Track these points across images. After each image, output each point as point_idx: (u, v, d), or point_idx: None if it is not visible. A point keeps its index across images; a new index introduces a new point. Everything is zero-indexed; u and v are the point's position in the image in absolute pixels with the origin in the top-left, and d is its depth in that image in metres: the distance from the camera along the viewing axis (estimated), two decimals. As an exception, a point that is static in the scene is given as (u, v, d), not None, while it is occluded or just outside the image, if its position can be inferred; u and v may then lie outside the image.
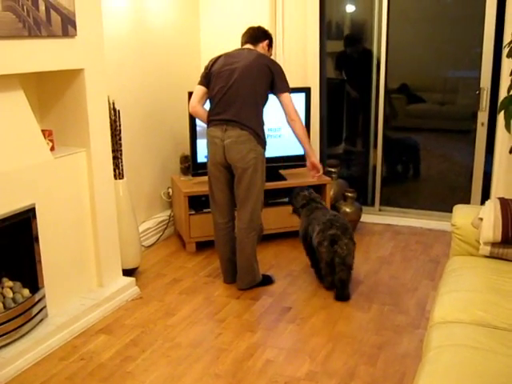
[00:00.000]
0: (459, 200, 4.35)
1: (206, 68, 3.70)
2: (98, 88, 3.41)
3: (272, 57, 3.80)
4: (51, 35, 3.01)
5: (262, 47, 3.75)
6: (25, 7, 2.83)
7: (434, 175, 5.40)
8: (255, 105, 3.57)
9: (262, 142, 3.60)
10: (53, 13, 3.00)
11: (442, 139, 5.39)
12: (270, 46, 3.82)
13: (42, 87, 3.41)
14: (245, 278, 3.80)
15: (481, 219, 3.00)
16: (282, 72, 3.64)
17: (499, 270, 2.83)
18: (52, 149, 3.28)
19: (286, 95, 3.61)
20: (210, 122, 3.65)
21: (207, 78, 3.67)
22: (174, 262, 4.33)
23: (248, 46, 3.74)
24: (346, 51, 5.42)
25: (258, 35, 3.76)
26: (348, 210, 4.86)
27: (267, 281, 3.91)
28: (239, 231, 3.72)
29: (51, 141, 3.29)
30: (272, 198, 4.52)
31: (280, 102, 3.62)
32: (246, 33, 3.80)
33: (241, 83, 3.53)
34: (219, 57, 3.69)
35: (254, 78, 3.55)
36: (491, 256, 2.96)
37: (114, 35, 4.11)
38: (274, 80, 3.58)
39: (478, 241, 3.00)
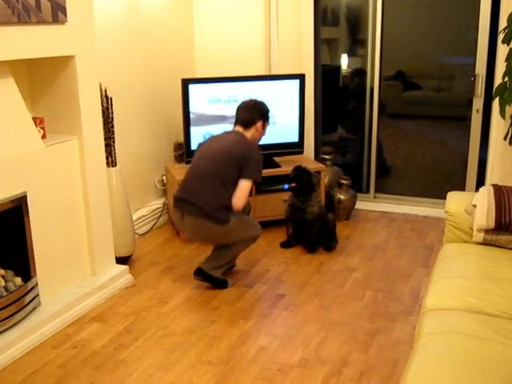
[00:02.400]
0: (454, 187, 4.36)
1: (195, 151, 3.73)
2: (90, 75, 3.38)
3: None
4: (41, 22, 2.97)
5: (255, 129, 3.63)
6: (14, -7, 2.79)
7: (429, 162, 5.39)
8: (215, 187, 3.46)
9: (223, 218, 3.47)
10: (42, -1, 2.96)
11: (437, 126, 5.38)
12: (266, 121, 3.69)
13: (32, 74, 3.38)
14: (211, 261, 3.66)
15: (474, 206, 2.99)
16: (257, 161, 3.53)
17: (492, 256, 2.83)
18: (43, 136, 3.25)
19: (246, 182, 3.50)
20: (175, 194, 3.60)
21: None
22: (168, 250, 4.32)
23: (237, 128, 3.64)
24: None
25: (250, 119, 3.62)
26: (343, 197, 4.86)
27: (222, 283, 3.68)
28: None
29: (42, 128, 3.27)
30: (266, 186, 4.50)
31: (238, 184, 3.50)
32: (239, 111, 3.67)
33: (205, 166, 3.49)
34: (209, 139, 3.73)
35: (221, 164, 3.46)
36: (484, 243, 2.96)
37: (106, 21, 4.06)
38: (243, 166, 3.48)
39: (471, 228, 3.00)
